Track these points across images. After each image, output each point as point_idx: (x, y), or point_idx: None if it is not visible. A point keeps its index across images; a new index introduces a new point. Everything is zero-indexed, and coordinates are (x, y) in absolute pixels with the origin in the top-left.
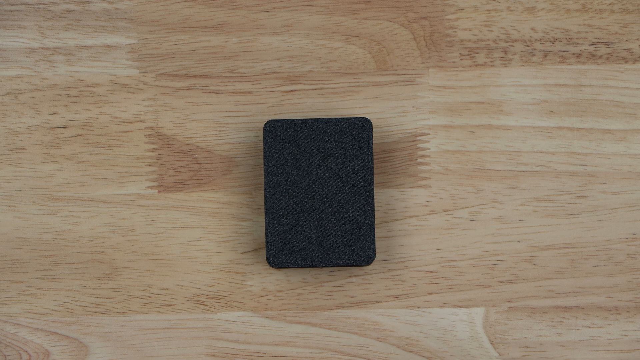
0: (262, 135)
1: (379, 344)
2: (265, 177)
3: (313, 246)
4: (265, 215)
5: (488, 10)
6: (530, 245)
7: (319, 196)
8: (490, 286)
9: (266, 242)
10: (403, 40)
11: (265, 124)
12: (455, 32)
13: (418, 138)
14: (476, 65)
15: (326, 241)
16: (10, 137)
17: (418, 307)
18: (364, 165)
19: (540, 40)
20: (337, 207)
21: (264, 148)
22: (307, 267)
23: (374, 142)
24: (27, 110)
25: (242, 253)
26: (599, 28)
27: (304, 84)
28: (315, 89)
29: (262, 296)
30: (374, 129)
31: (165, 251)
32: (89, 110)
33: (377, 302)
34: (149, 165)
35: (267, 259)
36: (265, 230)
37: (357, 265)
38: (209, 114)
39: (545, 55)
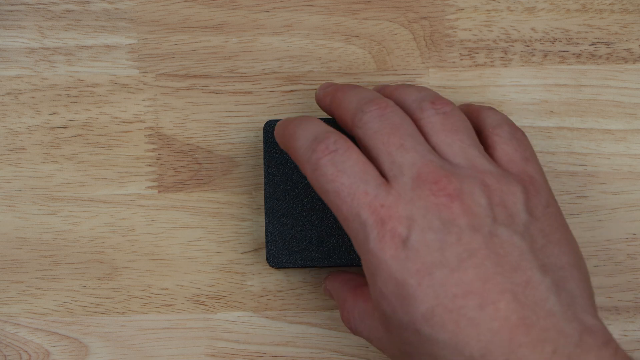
0: (262, 135)
1: None
2: (265, 177)
3: (313, 246)
4: (265, 215)
5: (488, 10)
6: None
7: (319, 196)
8: None
9: (266, 242)
10: (403, 40)
11: (265, 124)
12: (455, 32)
13: None
14: (476, 65)
15: (326, 241)
16: (10, 137)
17: None
18: None
19: (540, 40)
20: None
21: (264, 148)
22: (307, 267)
23: None
24: (27, 110)
25: (242, 253)
26: (599, 28)
27: (304, 84)
28: (315, 89)
29: (262, 296)
30: None
31: (165, 251)
32: (89, 110)
33: None
34: (149, 165)
35: (267, 259)
36: (265, 230)
37: (357, 265)
38: (209, 114)
39: (545, 55)
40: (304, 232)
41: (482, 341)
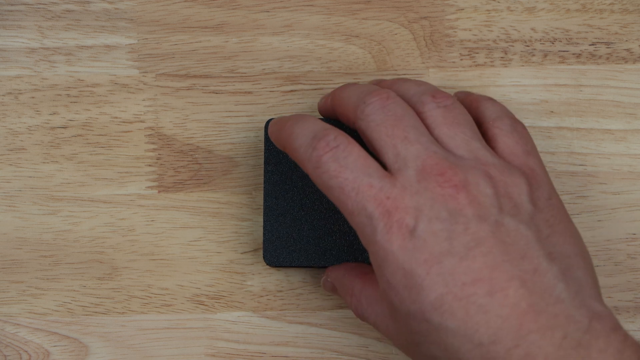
0: (263, 134)
1: (379, 344)
2: (265, 176)
3: (310, 246)
4: (263, 213)
5: (488, 10)
6: None
7: (318, 195)
8: None
9: (263, 241)
10: (403, 40)
11: (266, 123)
12: (455, 32)
13: None
14: (476, 65)
15: (324, 241)
16: (10, 137)
17: None
18: None
19: (540, 40)
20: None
21: (265, 147)
22: (304, 266)
23: None
24: (27, 110)
25: (242, 253)
26: (599, 28)
27: (304, 84)
28: (315, 89)
29: (262, 296)
30: None
31: (165, 251)
32: (89, 110)
33: None
34: (149, 165)
35: (263, 258)
36: (263, 228)
37: None
38: (209, 114)
39: (545, 55)
40: (301, 231)
41: (491, 328)
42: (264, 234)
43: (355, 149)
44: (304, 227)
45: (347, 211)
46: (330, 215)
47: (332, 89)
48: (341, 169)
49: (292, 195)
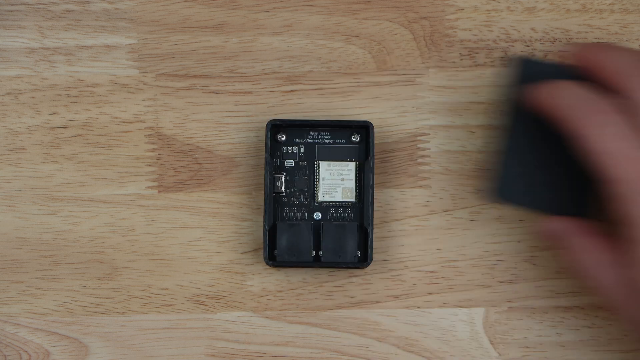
0: (512, 70)
1: (379, 344)
2: (512, 112)
3: (544, 191)
4: (506, 150)
5: (488, 10)
6: (530, 245)
7: (558, 145)
8: (490, 286)
9: (501, 176)
10: (403, 40)
11: (520, 59)
12: (455, 32)
13: (418, 138)
14: (476, 65)
15: (556, 189)
16: (10, 137)
17: (418, 307)
18: None
19: (540, 40)
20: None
21: (516, 82)
22: (533, 208)
23: (375, 142)
24: (27, 110)
25: (242, 253)
26: (599, 28)
27: (304, 84)
28: (315, 89)
29: (262, 296)
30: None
31: (165, 251)
32: (89, 110)
33: (377, 302)
34: (149, 165)
35: (497, 193)
36: (503, 164)
37: (573, 216)
38: (209, 114)
39: (545, 55)
40: (537, 175)
41: None
42: (503, 169)
43: (631, 121)
44: (540, 172)
45: (609, 178)
46: (568, 168)
47: (587, 43)
48: (613, 137)
49: (534, 140)
